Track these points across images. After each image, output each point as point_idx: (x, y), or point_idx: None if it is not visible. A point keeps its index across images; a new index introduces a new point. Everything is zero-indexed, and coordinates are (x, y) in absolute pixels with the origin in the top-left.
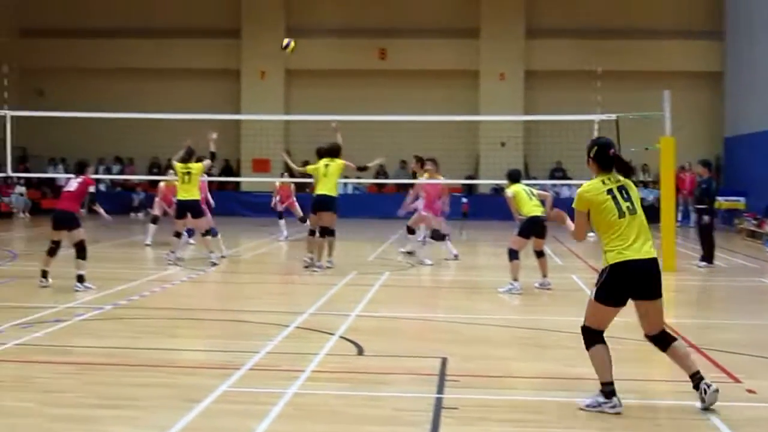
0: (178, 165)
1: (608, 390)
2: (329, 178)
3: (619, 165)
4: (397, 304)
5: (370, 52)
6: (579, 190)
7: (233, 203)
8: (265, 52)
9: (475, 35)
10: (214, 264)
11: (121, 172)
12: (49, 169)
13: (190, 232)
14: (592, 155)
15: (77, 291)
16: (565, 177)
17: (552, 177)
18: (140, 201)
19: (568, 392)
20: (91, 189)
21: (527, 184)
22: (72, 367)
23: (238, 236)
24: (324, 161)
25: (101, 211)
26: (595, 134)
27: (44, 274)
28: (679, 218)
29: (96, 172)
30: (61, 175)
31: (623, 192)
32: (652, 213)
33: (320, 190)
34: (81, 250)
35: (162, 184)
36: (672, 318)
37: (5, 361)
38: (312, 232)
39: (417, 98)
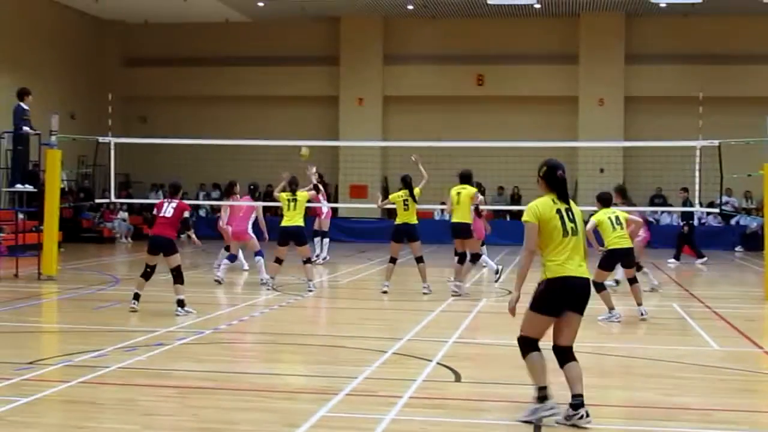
0: (282, 194)
1: (542, 395)
2: (462, 206)
3: (562, 188)
4: (495, 331)
5: (467, 78)
6: (530, 204)
7: (331, 229)
8: (363, 79)
9: (573, 61)
10: (311, 291)
11: (220, 198)
12: (151, 195)
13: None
14: (541, 174)
15: (178, 315)
16: (665, 204)
17: (652, 204)
18: None
19: (666, 422)
20: (186, 214)
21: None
22: (173, 391)
23: (337, 261)
24: (456, 188)
25: (194, 236)
26: (697, 161)
27: (136, 297)
28: None
29: (196, 198)
30: (208, 203)
31: (569, 213)
32: (756, 241)
33: (455, 218)
34: (178, 276)
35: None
36: None
37: (108, 383)
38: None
39: (514, 124)
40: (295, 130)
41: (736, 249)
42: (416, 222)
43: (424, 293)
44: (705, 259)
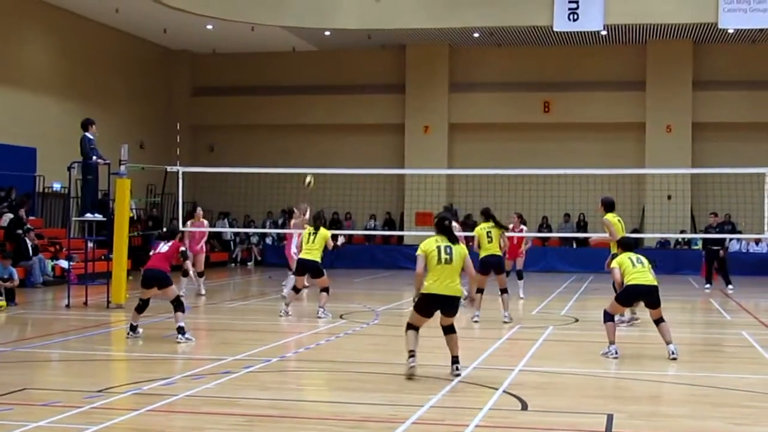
0: (307, 227)
1: (411, 354)
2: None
3: (448, 233)
4: (562, 359)
5: (534, 105)
6: (422, 243)
7: (397, 256)
8: (429, 107)
9: (641, 87)
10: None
11: (284, 225)
12: (219, 223)
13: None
14: (435, 221)
15: (179, 343)
16: (734, 231)
17: (721, 231)
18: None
19: None
20: (182, 249)
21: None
22: (240, 419)
23: (401, 289)
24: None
25: (190, 268)
26: (766, 187)
27: (132, 328)
28: None
29: (263, 226)
30: (227, 229)
31: (447, 249)
32: None
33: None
34: (178, 305)
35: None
36: None
37: (176, 412)
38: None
39: (581, 151)
40: (361, 158)
41: None
42: (500, 254)
43: (505, 322)
44: (710, 286)
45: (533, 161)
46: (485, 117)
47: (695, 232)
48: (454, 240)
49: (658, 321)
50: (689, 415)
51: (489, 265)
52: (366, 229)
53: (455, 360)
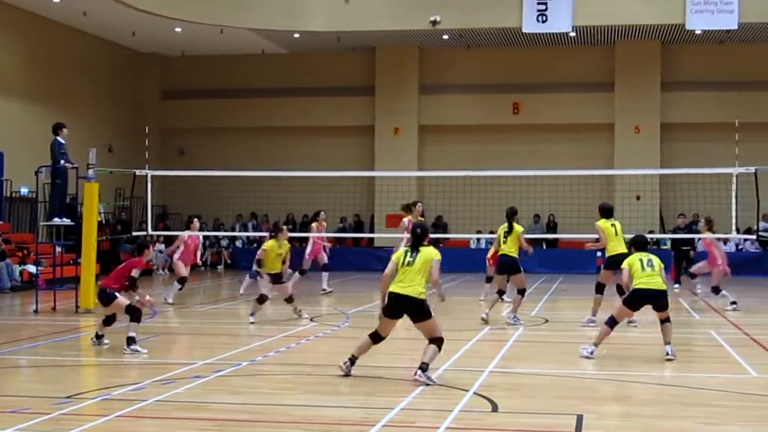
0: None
1: (352, 360)
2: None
3: (420, 239)
4: (532, 360)
5: (503, 106)
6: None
7: (368, 258)
8: (398, 109)
9: (609, 89)
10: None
11: (256, 229)
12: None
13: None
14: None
15: (124, 353)
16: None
17: (690, 231)
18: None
19: None
20: (134, 273)
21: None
22: (211, 423)
23: (372, 291)
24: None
25: (147, 298)
26: (734, 187)
27: (98, 336)
28: None
29: (233, 229)
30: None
31: (414, 254)
32: None
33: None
34: (132, 314)
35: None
36: None
37: (146, 417)
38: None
39: (551, 152)
40: (331, 160)
41: None
42: (515, 255)
43: (508, 323)
44: (678, 286)
45: (503, 162)
46: (455, 119)
47: (664, 232)
48: (421, 245)
49: (664, 321)
50: (659, 415)
51: (502, 265)
52: (338, 231)
53: (423, 367)
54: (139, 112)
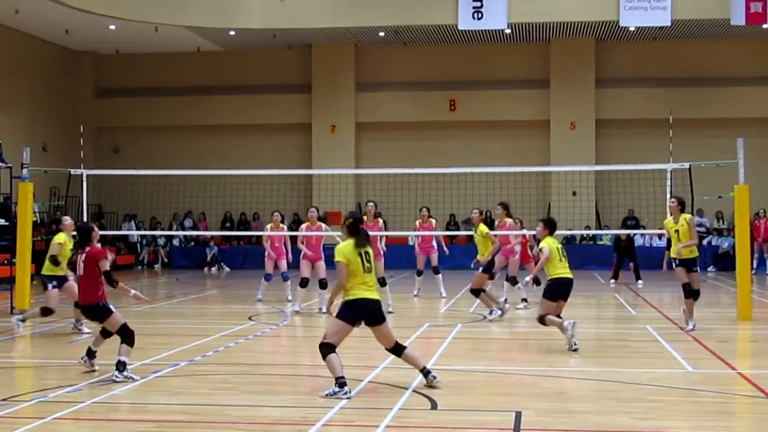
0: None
1: (341, 382)
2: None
3: (365, 235)
4: (471, 357)
5: (440, 103)
6: (338, 247)
7: None
8: (335, 107)
9: (545, 85)
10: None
11: (193, 227)
12: (125, 225)
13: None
14: (346, 224)
15: (116, 381)
16: (637, 226)
17: (624, 226)
18: (213, 255)
19: None
20: (104, 264)
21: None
22: (150, 425)
23: (310, 289)
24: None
25: (133, 293)
26: (668, 183)
27: (89, 353)
28: (755, 266)
29: (170, 228)
30: (134, 232)
31: (367, 255)
32: (728, 261)
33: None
34: (124, 336)
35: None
36: (748, 369)
37: (83, 419)
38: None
39: (487, 149)
40: (268, 159)
41: (709, 270)
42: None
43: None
44: (615, 281)
45: (440, 160)
46: (392, 116)
47: (600, 228)
48: (368, 242)
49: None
50: (595, 411)
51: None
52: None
53: (426, 372)
54: (73, 110)
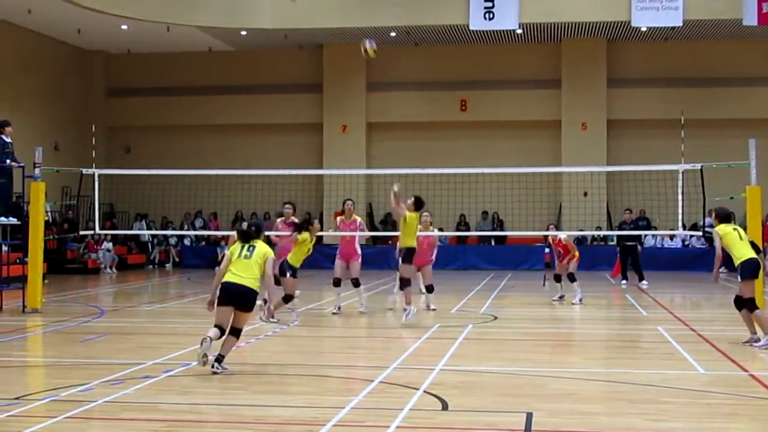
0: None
1: (219, 359)
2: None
3: (245, 237)
4: (482, 358)
5: (451, 103)
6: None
7: (316, 256)
8: (346, 107)
9: (556, 86)
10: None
11: (204, 227)
12: (135, 225)
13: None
14: (238, 231)
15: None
16: (649, 227)
17: (636, 227)
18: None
19: None
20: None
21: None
22: (161, 425)
23: (321, 289)
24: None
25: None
26: (680, 184)
27: (218, 360)
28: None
29: (181, 228)
30: (145, 232)
31: (250, 248)
32: None
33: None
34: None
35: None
36: (760, 371)
37: (95, 418)
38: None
39: (499, 149)
40: (279, 158)
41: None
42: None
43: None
44: (626, 282)
45: (451, 160)
46: (403, 116)
47: (611, 228)
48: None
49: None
50: (606, 412)
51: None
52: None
53: (219, 359)
54: (85, 110)
